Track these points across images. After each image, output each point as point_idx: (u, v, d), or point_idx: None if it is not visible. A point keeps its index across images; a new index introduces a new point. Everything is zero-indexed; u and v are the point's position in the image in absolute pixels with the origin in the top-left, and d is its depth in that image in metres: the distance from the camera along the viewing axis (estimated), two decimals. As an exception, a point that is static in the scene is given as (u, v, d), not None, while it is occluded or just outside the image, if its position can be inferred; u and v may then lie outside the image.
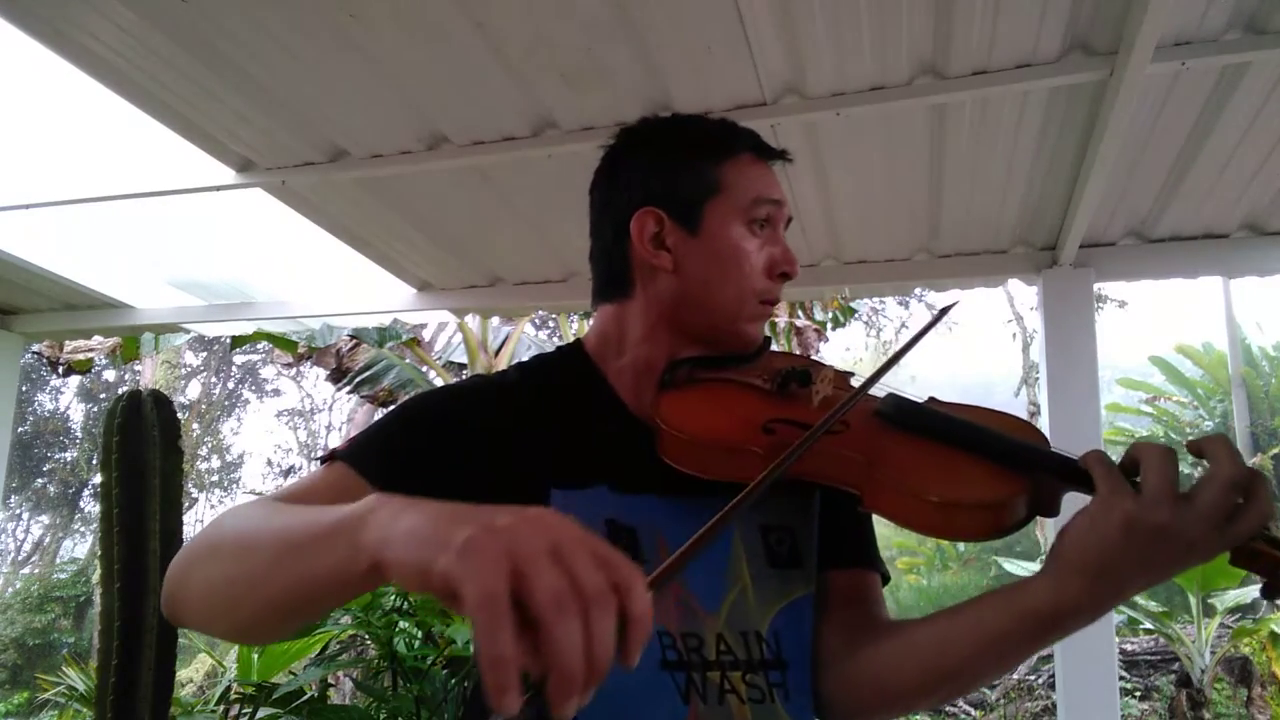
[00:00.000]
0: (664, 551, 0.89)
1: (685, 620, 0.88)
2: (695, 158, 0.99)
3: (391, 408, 0.97)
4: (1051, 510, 0.82)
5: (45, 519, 18.11)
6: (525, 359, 1.08)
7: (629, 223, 0.98)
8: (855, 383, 0.98)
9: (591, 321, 1.08)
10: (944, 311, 1.07)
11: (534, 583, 0.48)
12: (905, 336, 14.41)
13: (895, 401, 0.91)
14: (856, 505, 0.83)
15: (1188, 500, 0.71)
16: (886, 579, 1.03)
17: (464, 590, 0.48)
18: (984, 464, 0.82)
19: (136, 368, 15.81)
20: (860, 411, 0.89)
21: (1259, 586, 0.77)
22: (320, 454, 0.89)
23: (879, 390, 0.92)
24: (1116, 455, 0.78)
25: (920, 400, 0.94)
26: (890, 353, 0.97)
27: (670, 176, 0.98)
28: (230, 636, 0.81)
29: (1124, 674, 7.18)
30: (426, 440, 0.90)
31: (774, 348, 1.05)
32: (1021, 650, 0.81)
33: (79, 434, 17.92)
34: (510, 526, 0.51)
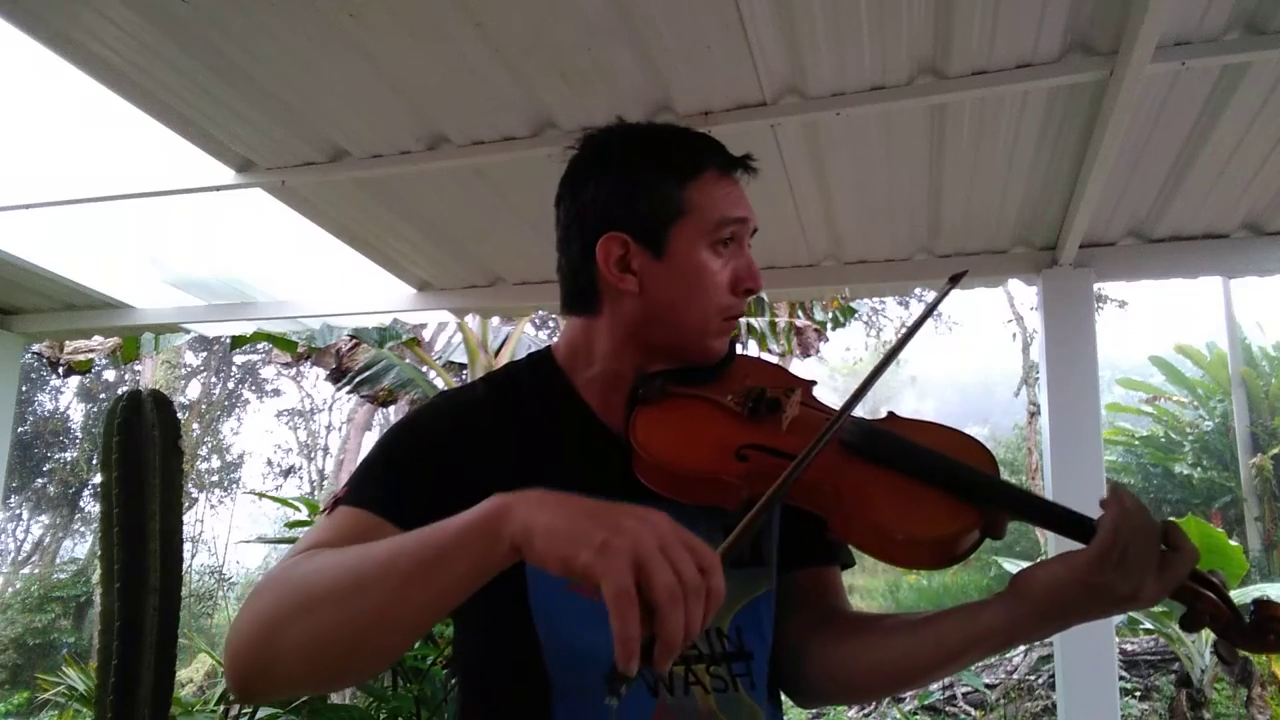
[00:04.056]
0: None
1: None
2: (659, 179, 0.98)
3: (376, 445, 1.00)
4: (998, 534, 0.88)
5: (45, 519, 18.11)
6: (495, 370, 1.10)
7: (594, 244, 0.97)
8: (817, 392, 1.02)
9: (561, 330, 1.10)
10: (939, 299, 1.09)
11: (653, 579, 0.65)
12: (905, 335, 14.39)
13: (860, 432, 0.93)
14: (823, 531, 0.88)
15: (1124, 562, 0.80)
16: (850, 564, 1.09)
17: (604, 585, 0.65)
18: (944, 498, 0.87)
19: (136, 368, 15.81)
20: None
21: (1250, 597, 0.82)
22: (331, 500, 0.94)
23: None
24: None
25: (879, 418, 0.98)
26: (885, 351, 0.99)
27: (634, 199, 0.97)
28: (339, 682, 0.86)
29: (1124, 674, 7.18)
30: (416, 468, 0.95)
31: (739, 350, 1.07)
32: (976, 660, 0.91)
33: (79, 434, 17.90)
34: (632, 530, 0.67)
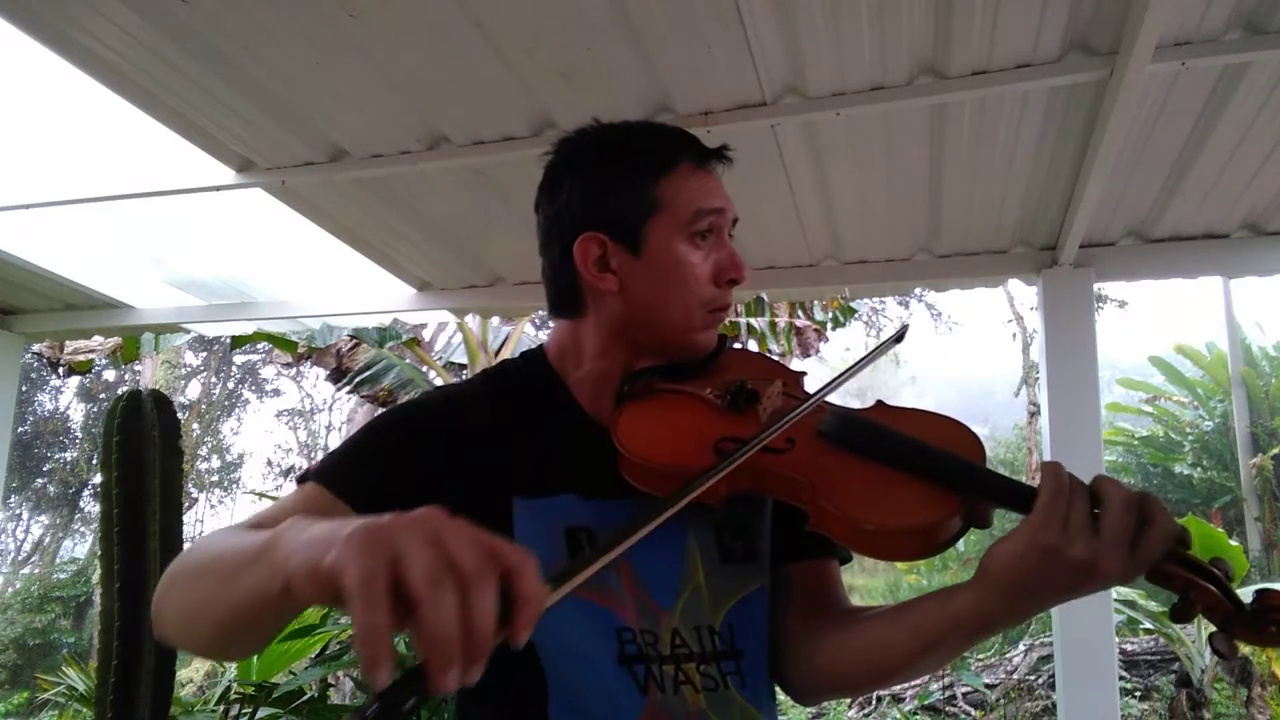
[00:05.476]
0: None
1: (642, 618, 0.92)
2: (632, 176, 0.98)
3: (361, 426, 1.00)
4: (984, 522, 0.85)
5: (45, 519, 18.10)
6: (492, 366, 1.11)
7: (572, 246, 0.98)
8: (809, 384, 1.01)
9: (550, 332, 1.11)
10: (899, 336, 1.11)
11: (410, 563, 0.51)
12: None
13: (836, 421, 0.92)
14: (804, 523, 0.87)
15: (1096, 532, 0.76)
16: (846, 560, 1.07)
17: (345, 575, 0.52)
18: (921, 485, 0.85)
19: (136, 368, 15.80)
20: (804, 431, 0.91)
21: (1250, 588, 0.78)
22: (298, 474, 0.95)
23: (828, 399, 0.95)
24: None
25: (865, 407, 0.96)
26: (842, 369, 1.02)
27: (609, 198, 0.98)
28: (204, 655, 0.90)
29: (1124, 674, 7.18)
30: (392, 455, 0.94)
31: (734, 345, 1.06)
32: (956, 648, 0.88)
33: (79, 434, 17.90)
34: (392, 522, 0.55)
